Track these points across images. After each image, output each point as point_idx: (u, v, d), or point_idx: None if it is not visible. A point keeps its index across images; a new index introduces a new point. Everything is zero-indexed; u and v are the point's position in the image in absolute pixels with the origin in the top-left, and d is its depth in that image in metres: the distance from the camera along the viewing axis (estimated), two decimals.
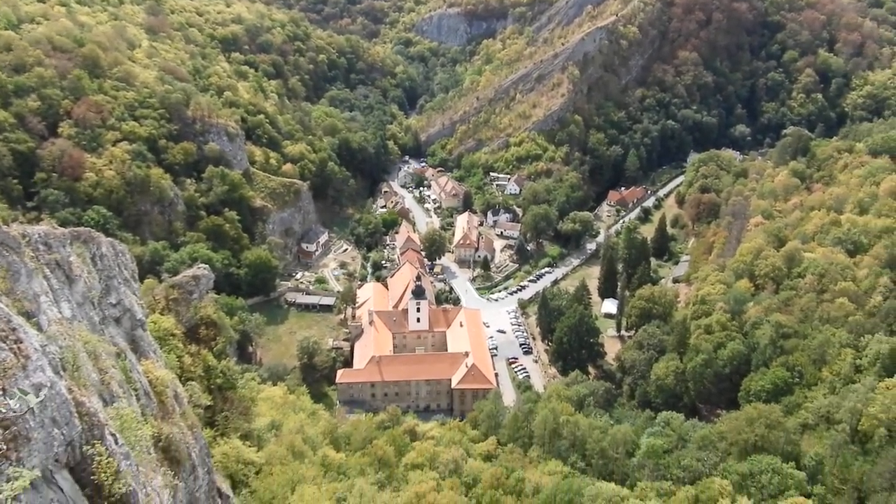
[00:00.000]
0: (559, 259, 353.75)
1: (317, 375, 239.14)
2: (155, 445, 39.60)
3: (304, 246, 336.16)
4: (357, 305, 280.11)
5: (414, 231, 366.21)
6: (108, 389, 36.21)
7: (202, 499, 44.89)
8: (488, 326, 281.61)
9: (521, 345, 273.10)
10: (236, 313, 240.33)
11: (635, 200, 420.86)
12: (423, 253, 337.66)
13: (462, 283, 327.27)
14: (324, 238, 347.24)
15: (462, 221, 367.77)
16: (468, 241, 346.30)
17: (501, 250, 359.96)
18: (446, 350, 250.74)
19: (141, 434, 35.72)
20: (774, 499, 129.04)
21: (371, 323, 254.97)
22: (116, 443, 31.83)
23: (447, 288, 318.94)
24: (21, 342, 27.45)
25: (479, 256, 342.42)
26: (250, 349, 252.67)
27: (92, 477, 29.33)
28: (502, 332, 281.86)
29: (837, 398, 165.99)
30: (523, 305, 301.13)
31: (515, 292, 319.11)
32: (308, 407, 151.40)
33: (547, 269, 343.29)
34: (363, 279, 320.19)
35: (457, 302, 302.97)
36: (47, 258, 37.06)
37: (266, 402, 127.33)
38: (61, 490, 27.46)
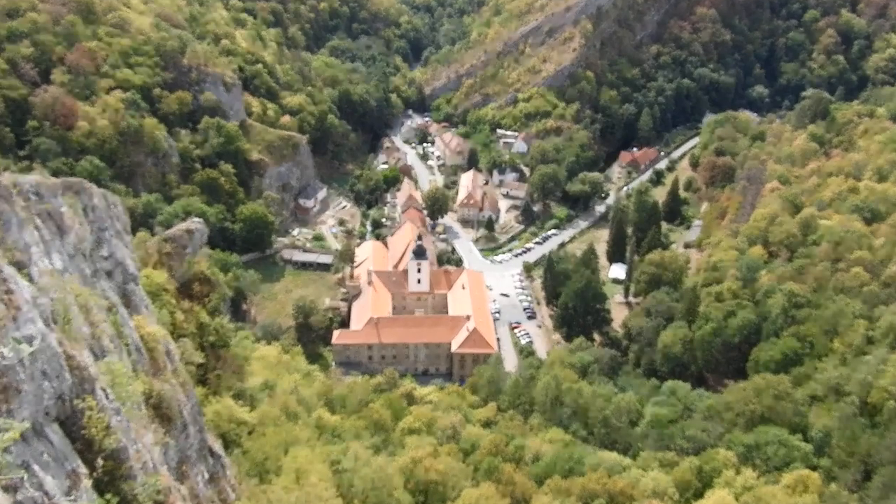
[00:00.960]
0: (567, 221, 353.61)
1: (312, 336, 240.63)
2: (146, 402, 40.25)
3: (301, 202, 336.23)
4: (355, 265, 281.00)
5: (416, 189, 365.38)
6: (98, 344, 36.72)
7: (193, 457, 45.71)
8: (491, 290, 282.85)
9: (524, 309, 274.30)
10: (230, 270, 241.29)
11: (647, 162, 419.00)
12: (425, 212, 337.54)
13: (465, 243, 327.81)
14: (322, 194, 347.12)
15: (466, 180, 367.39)
16: (472, 201, 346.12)
17: (507, 211, 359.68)
18: (447, 313, 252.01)
19: (132, 390, 36.29)
20: (780, 471, 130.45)
21: (370, 283, 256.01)
22: (107, 398, 32.40)
23: (449, 248, 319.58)
24: (12, 293, 27.83)
25: (483, 216, 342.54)
26: (244, 307, 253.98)
27: (82, 431, 29.91)
28: (506, 295, 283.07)
29: (848, 370, 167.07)
30: (528, 268, 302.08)
31: (520, 255, 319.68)
32: (303, 368, 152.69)
33: (554, 231, 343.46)
34: (362, 237, 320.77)
35: (459, 263, 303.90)
36: (39, 208, 37.32)
37: (260, 362, 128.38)
38: (51, 443, 28.05)
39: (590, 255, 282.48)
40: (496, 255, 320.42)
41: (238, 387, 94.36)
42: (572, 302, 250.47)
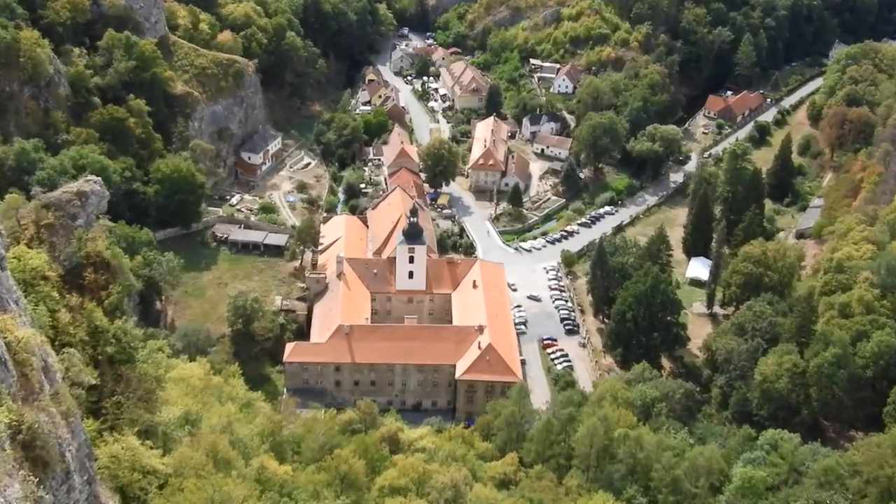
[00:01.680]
0: (627, 195, 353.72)
1: (256, 350, 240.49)
2: (12, 438, 39.83)
3: (245, 156, 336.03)
4: (320, 249, 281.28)
5: (411, 142, 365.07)
6: None
7: None
8: (515, 290, 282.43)
9: (562, 320, 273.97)
10: (140, 251, 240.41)
11: (747, 112, 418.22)
12: (422, 175, 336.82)
13: (479, 222, 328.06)
14: (275, 146, 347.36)
15: (484, 131, 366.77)
16: (492, 161, 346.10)
17: (541, 177, 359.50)
18: (450, 322, 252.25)
19: None
20: None
21: (340, 276, 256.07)
22: None
23: (456, 229, 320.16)
24: None
25: (506, 184, 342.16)
26: (158, 306, 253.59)
27: None
28: (536, 299, 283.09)
29: None
30: (569, 261, 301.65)
31: (559, 241, 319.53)
32: (241, 395, 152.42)
33: (608, 208, 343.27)
34: (331, 210, 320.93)
35: (471, 251, 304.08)
36: None
37: (179, 386, 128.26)
38: None
39: (659, 244, 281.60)
40: (524, 240, 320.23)
41: (147, 420, 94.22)
42: (632, 312, 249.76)
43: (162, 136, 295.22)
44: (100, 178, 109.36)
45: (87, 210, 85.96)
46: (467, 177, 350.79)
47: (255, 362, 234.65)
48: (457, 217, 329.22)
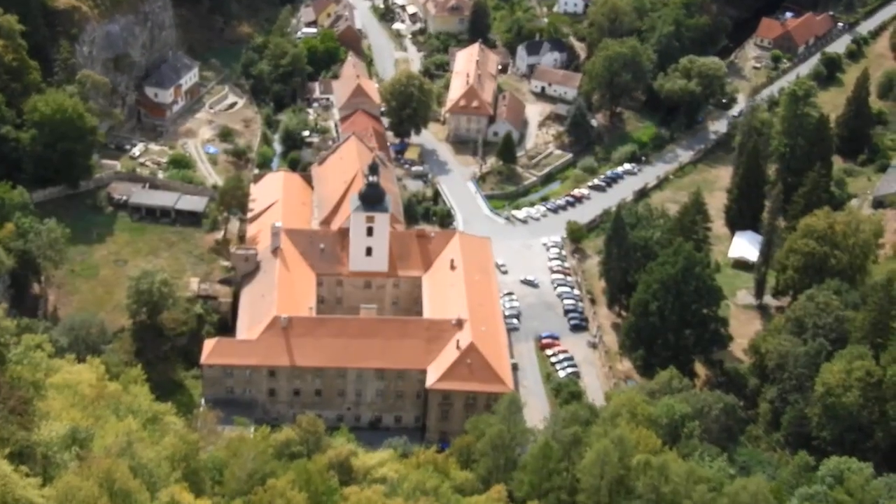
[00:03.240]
0: (653, 149, 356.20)
1: (165, 348, 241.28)
2: None
3: (150, 93, 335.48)
4: (250, 216, 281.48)
5: (370, 76, 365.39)
6: None
7: None
8: (506, 272, 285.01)
9: (567, 312, 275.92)
10: (11, 217, 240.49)
11: (811, 40, 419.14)
12: (385, 120, 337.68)
13: (459, 183, 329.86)
14: (190, 79, 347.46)
15: (466, 62, 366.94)
16: (476, 103, 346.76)
17: (541, 124, 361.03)
18: (420, 314, 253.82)
19: None
20: None
21: (276, 252, 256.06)
22: None
23: (430, 192, 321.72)
24: None
25: (495, 134, 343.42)
26: (37, 289, 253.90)
27: None
28: (532, 284, 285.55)
29: None
30: (577, 236, 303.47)
31: (563, 209, 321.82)
32: (145, 407, 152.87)
33: (628, 166, 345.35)
34: (264, 165, 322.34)
35: (447, 221, 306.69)
36: None
37: (64, 394, 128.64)
38: None
39: (694, 214, 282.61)
40: (518, 207, 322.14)
41: (21, 439, 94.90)
42: (657, 302, 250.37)
43: (40, 65, 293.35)
44: None
45: None
46: (444, 123, 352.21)
47: (163, 364, 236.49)
48: (430, 176, 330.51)
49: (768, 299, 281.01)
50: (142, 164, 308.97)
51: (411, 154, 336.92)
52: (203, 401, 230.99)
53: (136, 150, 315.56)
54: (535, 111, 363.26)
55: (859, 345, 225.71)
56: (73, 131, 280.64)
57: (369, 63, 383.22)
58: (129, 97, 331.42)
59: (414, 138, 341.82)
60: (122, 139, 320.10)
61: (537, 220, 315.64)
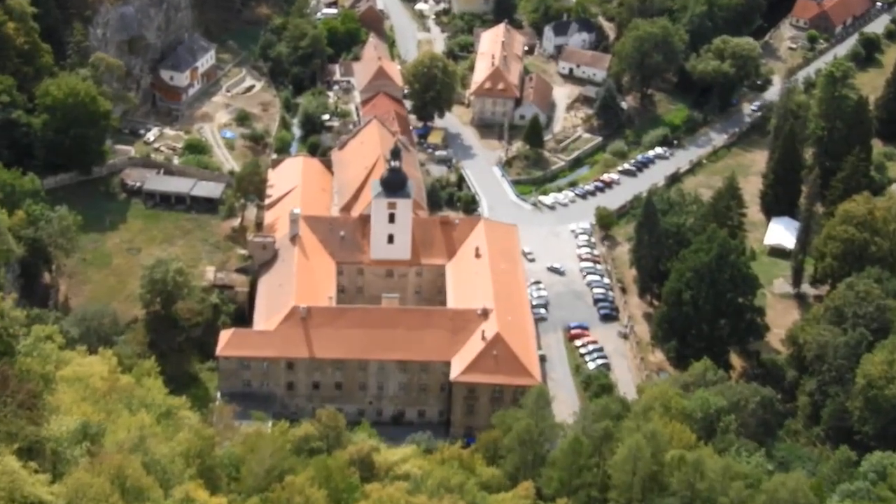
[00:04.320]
0: (686, 132, 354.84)
1: (180, 339, 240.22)
2: None
3: (166, 76, 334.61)
4: (268, 203, 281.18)
5: (392, 58, 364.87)
6: None
7: None
8: (533, 260, 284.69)
9: (597, 301, 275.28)
10: (22, 204, 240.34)
11: (849, 20, 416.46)
12: (407, 103, 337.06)
13: (485, 168, 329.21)
14: (207, 62, 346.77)
15: (492, 43, 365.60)
16: (502, 85, 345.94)
17: (569, 107, 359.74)
18: (444, 303, 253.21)
19: None
20: None
21: (295, 240, 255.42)
22: None
23: (454, 177, 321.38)
24: None
25: (521, 117, 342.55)
26: (48, 279, 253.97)
27: None
28: (559, 271, 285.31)
29: None
30: (607, 222, 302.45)
31: (593, 194, 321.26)
32: (159, 401, 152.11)
33: (659, 150, 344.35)
34: (282, 150, 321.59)
35: (472, 207, 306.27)
36: None
37: (74, 387, 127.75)
38: None
39: (728, 200, 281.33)
40: (545, 193, 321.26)
41: (30, 434, 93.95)
42: (691, 291, 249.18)
43: (52, 48, 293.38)
44: None
45: None
46: (469, 106, 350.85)
47: (178, 356, 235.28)
48: (454, 161, 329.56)
49: (806, 288, 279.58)
50: (156, 150, 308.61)
51: (435, 138, 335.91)
52: (219, 394, 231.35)
53: (151, 135, 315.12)
54: (562, 93, 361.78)
55: None
56: (86, 116, 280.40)
57: (391, 44, 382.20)
58: (144, 80, 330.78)
59: (437, 122, 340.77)
60: (137, 124, 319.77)
61: (565, 205, 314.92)
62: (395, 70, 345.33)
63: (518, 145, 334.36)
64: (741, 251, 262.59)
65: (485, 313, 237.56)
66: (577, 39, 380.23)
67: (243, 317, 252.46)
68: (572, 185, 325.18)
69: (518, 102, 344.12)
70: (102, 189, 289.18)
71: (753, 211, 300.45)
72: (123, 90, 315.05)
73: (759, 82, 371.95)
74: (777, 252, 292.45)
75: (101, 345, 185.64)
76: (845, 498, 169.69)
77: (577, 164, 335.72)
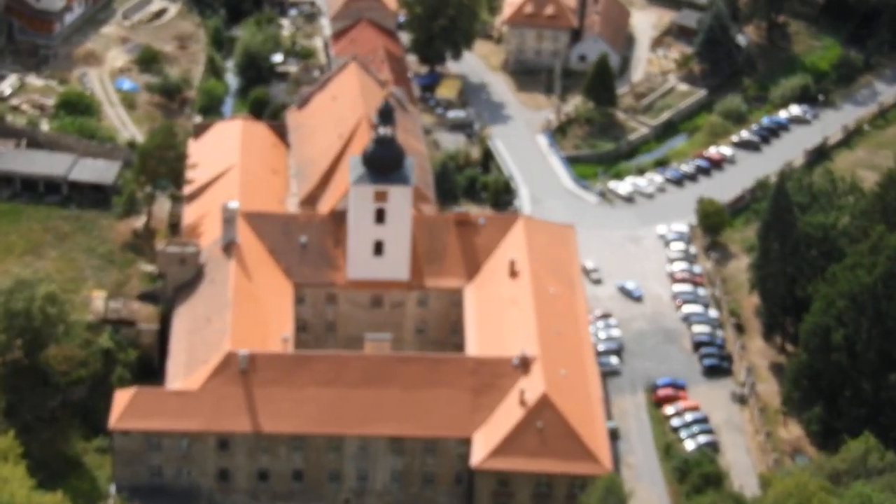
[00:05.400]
0: (838, 81, 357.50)
1: (53, 403, 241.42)
2: None
3: None
4: (188, 193, 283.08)
5: None
6: None
7: None
8: (599, 282, 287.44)
9: (698, 346, 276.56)
10: None
11: None
12: (403, 37, 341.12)
13: (525, 137, 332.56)
14: None
15: None
16: (550, 8, 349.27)
17: (656, 41, 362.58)
18: (461, 348, 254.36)
19: None
20: None
21: (229, 249, 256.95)
22: None
23: (477, 152, 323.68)
24: None
25: (582, 58, 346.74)
26: None
27: None
28: (633, 295, 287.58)
29: None
30: (714, 222, 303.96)
31: (691, 179, 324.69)
32: (21, 500, 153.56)
33: (797, 109, 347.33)
34: (211, 109, 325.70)
35: (504, 199, 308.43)
36: None
37: None
38: None
39: None
40: (619, 176, 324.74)
41: None
42: (845, 329, 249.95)
43: None
44: None
45: None
46: (499, 42, 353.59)
47: (50, 430, 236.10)
48: (478, 127, 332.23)
49: None
50: (14, 109, 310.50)
51: (447, 91, 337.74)
52: (113, 488, 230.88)
53: (6, 87, 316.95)
54: (645, 21, 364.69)
55: None
56: None
57: None
58: None
59: (451, 66, 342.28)
60: None
61: (650, 196, 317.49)
62: None
63: (576, 103, 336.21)
64: None
65: (524, 364, 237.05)
66: None
67: (151, 369, 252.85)
68: (661, 164, 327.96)
69: (577, 35, 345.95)
70: None
71: None
72: None
73: None
74: None
75: None
76: None
77: (668, 131, 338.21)
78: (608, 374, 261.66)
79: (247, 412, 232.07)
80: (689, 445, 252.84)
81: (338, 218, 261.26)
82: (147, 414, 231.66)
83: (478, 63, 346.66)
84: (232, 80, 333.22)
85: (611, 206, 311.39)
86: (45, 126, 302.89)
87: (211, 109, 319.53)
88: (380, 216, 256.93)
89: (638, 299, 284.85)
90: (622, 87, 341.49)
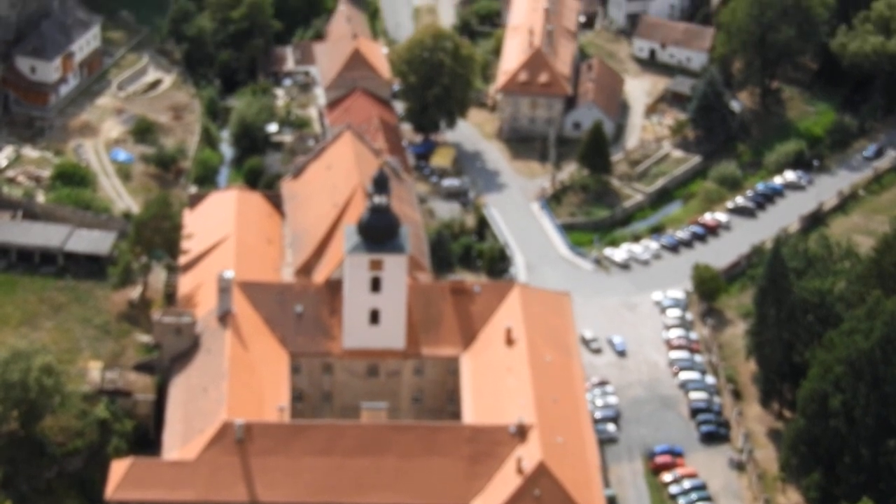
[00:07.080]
0: (832, 146, 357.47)
1: (49, 474, 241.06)
2: None
3: (24, 65, 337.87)
4: (183, 263, 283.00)
5: (375, 37, 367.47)
6: None
7: None
8: (598, 351, 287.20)
9: (695, 413, 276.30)
10: None
11: None
12: (398, 106, 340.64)
13: (520, 205, 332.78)
14: (87, 43, 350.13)
15: (528, 11, 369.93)
16: (545, 76, 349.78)
17: (651, 109, 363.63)
18: (458, 417, 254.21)
19: None
20: None
21: (226, 320, 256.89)
22: None
23: (472, 220, 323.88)
24: None
25: (577, 126, 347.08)
26: None
27: None
28: (620, 352, 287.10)
29: None
30: (710, 288, 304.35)
31: (687, 245, 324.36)
32: None
33: (792, 175, 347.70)
34: (206, 179, 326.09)
35: (500, 267, 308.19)
36: None
37: None
38: None
39: None
40: (614, 243, 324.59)
41: None
42: (843, 395, 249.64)
43: None
44: None
45: None
46: (494, 110, 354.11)
47: (47, 500, 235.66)
48: (473, 195, 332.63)
49: None
50: (11, 180, 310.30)
51: (441, 159, 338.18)
52: None
53: (3, 158, 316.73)
54: (639, 88, 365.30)
55: None
56: None
57: (373, 14, 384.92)
58: None
59: (446, 135, 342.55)
60: None
61: (646, 263, 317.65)
62: (378, 54, 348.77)
63: (571, 170, 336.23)
64: None
65: (521, 432, 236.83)
66: (663, 5, 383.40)
67: (147, 439, 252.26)
68: (656, 231, 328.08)
69: (571, 103, 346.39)
70: None
71: None
72: None
73: None
74: None
75: None
76: None
77: (663, 197, 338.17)
78: (605, 441, 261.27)
79: (243, 482, 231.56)
80: None
81: (333, 287, 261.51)
82: (144, 484, 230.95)
83: (472, 131, 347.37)
84: (227, 150, 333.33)
85: (606, 273, 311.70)
86: (40, 197, 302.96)
87: (206, 179, 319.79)
88: (375, 285, 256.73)
89: (621, 353, 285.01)
90: (617, 154, 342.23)
